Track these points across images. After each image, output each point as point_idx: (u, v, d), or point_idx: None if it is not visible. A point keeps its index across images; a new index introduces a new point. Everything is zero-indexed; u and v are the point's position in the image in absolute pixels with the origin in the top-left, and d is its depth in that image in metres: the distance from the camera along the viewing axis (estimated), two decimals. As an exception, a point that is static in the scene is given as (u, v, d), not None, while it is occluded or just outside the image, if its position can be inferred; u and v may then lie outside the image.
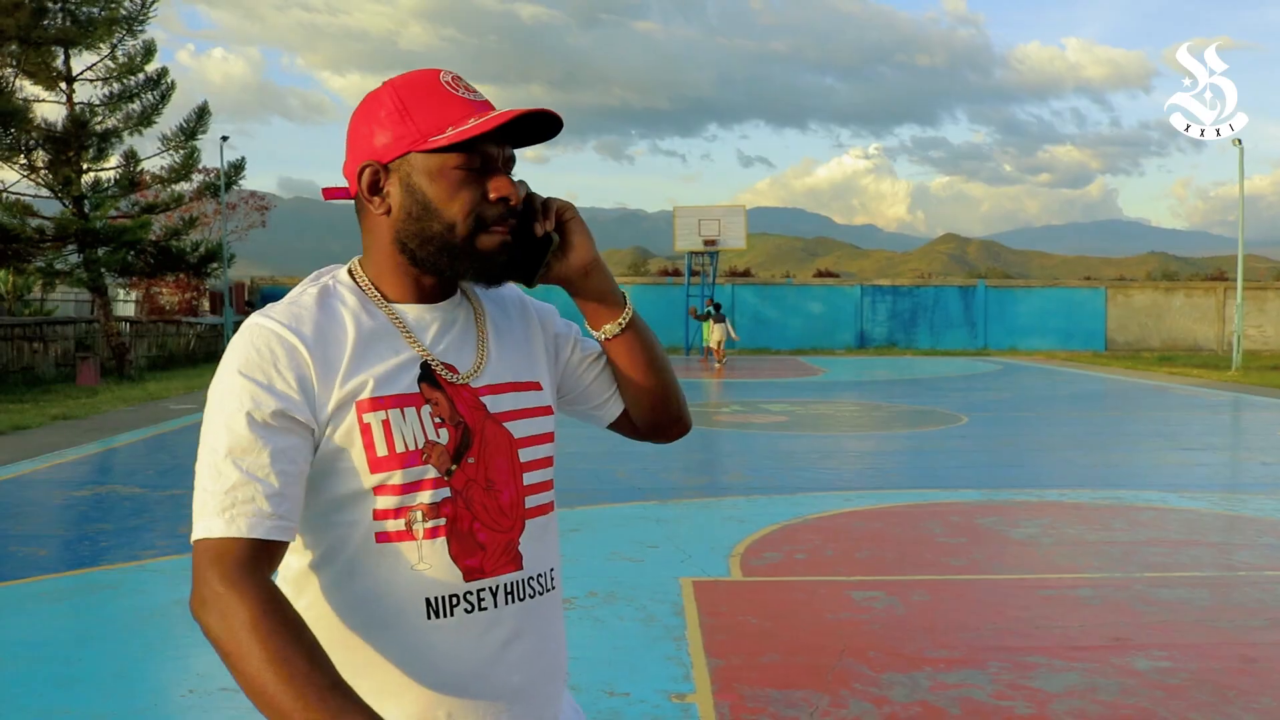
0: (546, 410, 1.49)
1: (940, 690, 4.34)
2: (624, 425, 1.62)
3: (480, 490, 1.37)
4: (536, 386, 1.49)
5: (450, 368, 1.39)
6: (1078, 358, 32.24)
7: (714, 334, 26.32)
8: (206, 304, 32.93)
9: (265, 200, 39.20)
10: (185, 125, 21.67)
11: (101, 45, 20.49)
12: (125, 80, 21.07)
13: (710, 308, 26.93)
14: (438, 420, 1.35)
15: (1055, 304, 36.36)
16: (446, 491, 1.34)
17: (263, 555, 1.22)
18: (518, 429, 1.43)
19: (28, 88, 20.13)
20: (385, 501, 1.31)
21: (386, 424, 1.31)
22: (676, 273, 39.45)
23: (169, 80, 21.57)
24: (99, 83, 21.05)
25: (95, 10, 19.94)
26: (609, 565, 6.39)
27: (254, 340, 1.28)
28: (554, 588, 1.46)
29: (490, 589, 1.36)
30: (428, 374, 1.37)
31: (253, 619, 1.16)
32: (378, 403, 1.31)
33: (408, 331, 1.38)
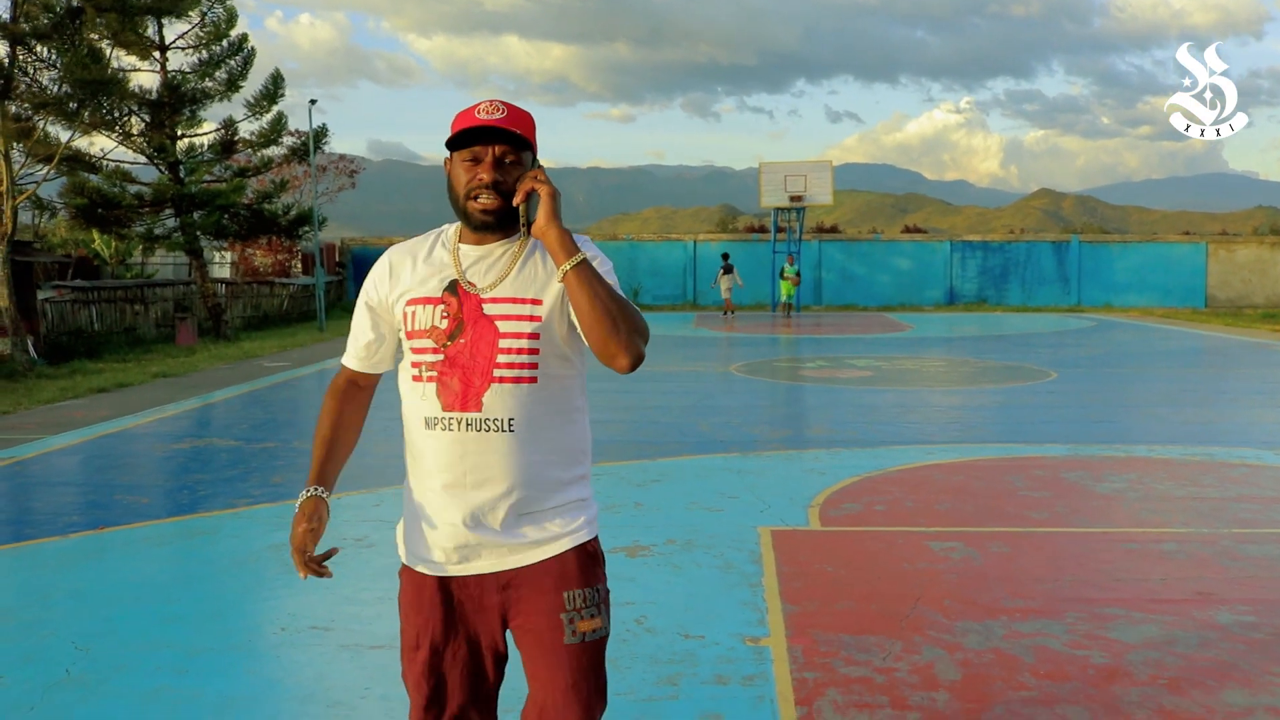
0: (534, 318, 2.16)
1: (1014, 639, 4.33)
2: (590, 346, 2.15)
3: (465, 359, 2.16)
4: (534, 301, 2.17)
5: (472, 284, 2.20)
6: (1175, 315, 31.32)
7: (723, 285, 27.90)
8: (299, 265, 33.63)
9: (354, 163, 39.80)
10: (265, 90, 22.10)
11: (191, 14, 20.95)
12: (212, 48, 21.55)
13: (722, 260, 28.75)
14: (445, 314, 2.19)
15: (1152, 260, 35.29)
16: (441, 357, 2.17)
17: (357, 377, 2.39)
18: (504, 326, 2.16)
19: (123, 58, 20.68)
20: (414, 357, 2.21)
21: (415, 313, 2.22)
22: (763, 229, 39.14)
23: (250, 46, 22.01)
24: (189, 50, 21.55)
25: (185, -20, 20.39)
26: (688, 515, 6.46)
27: (377, 264, 2.32)
28: (512, 430, 2.16)
29: (456, 419, 2.17)
30: (451, 286, 2.20)
31: (325, 408, 2.39)
32: (415, 300, 2.22)
33: (458, 260, 2.23)
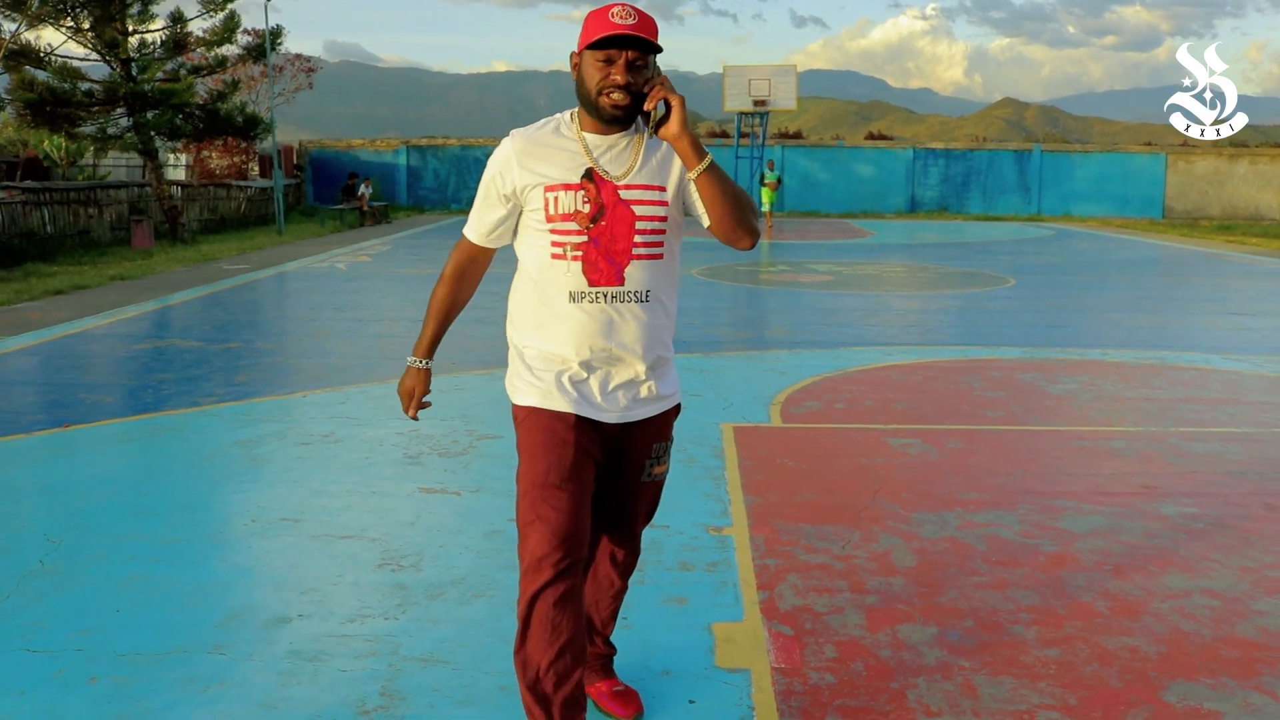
0: (663, 203, 2.52)
1: (968, 528, 4.49)
2: (714, 231, 2.52)
3: (607, 240, 2.48)
4: (661, 189, 2.52)
5: (607, 171, 2.48)
6: (1133, 225, 31.63)
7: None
8: (256, 168, 33.05)
9: (311, 63, 38.89)
10: (219, -14, 21.46)
11: (142, -99, 20.23)
12: (163, -64, 20.82)
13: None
14: (586, 200, 2.47)
15: (1112, 170, 35.48)
16: (585, 238, 2.47)
17: (480, 252, 2.70)
18: (639, 210, 2.50)
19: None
20: (555, 238, 2.48)
21: (557, 199, 2.47)
22: (725, 135, 38.84)
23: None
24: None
25: None
26: (651, 414, 6.55)
27: (500, 146, 2.55)
28: (647, 300, 2.53)
29: (604, 294, 2.49)
30: (588, 173, 2.48)
31: (445, 274, 2.73)
32: (553, 186, 2.48)
33: (587, 149, 2.50)
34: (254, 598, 3.72)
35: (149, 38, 21.39)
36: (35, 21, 18.11)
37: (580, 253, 2.47)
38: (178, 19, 21.51)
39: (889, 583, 3.87)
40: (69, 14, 19.57)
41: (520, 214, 2.58)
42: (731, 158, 31.58)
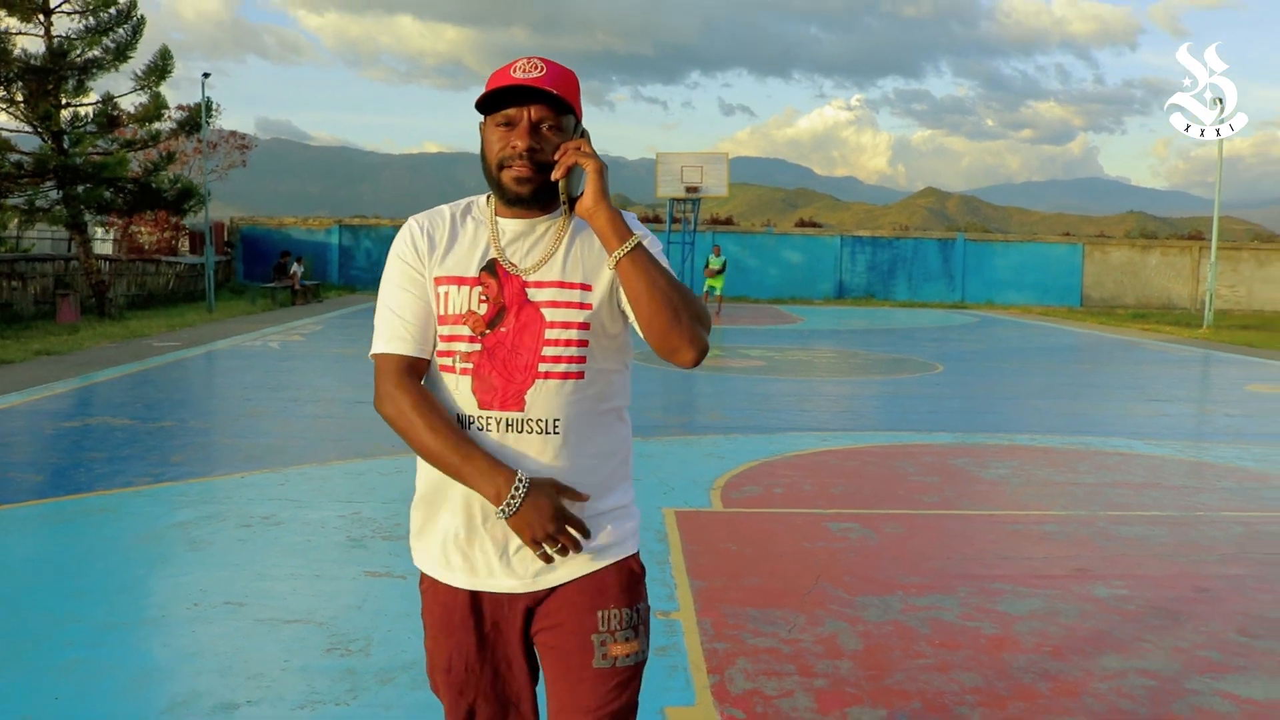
0: (584, 305, 1.95)
1: (911, 611, 4.58)
2: (645, 338, 1.93)
3: (506, 351, 1.94)
4: (584, 286, 1.97)
5: (514, 264, 1.97)
6: (1053, 313, 32.58)
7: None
8: (186, 244, 32.73)
9: (246, 140, 38.84)
10: (154, 64, 21.52)
11: (79, -23, 20.27)
12: (100, 14, 20.85)
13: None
14: (483, 298, 1.96)
15: (1033, 259, 36.64)
16: (478, 347, 1.94)
17: (418, 364, 1.97)
18: (551, 314, 1.95)
19: (5, 19, 19.90)
20: (443, 345, 1.97)
21: (448, 295, 1.97)
22: (657, 220, 39.39)
23: (139, 15, 21.37)
24: (75, 15, 20.81)
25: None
26: (594, 497, 6.58)
27: (402, 232, 2.03)
28: (556, 432, 1.94)
29: (496, 420, 1.94)
30: (490, 265, 1.97)
31: (413, 405, 1.92)
32: (446, 279, 1.98)
33: (496, 235, 1.99)
34: (200, 684, 3.66)
35: (82, 111, 21.28)
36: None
37: (471, 365, 1.93)
38: (108, 99, 21.44)
39: (836, 666, 3.93)
40: (2, 85, 19.41)
41: None
42: (664, 243, 31.98)
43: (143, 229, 32.00)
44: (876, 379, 14.07)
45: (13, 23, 20.08)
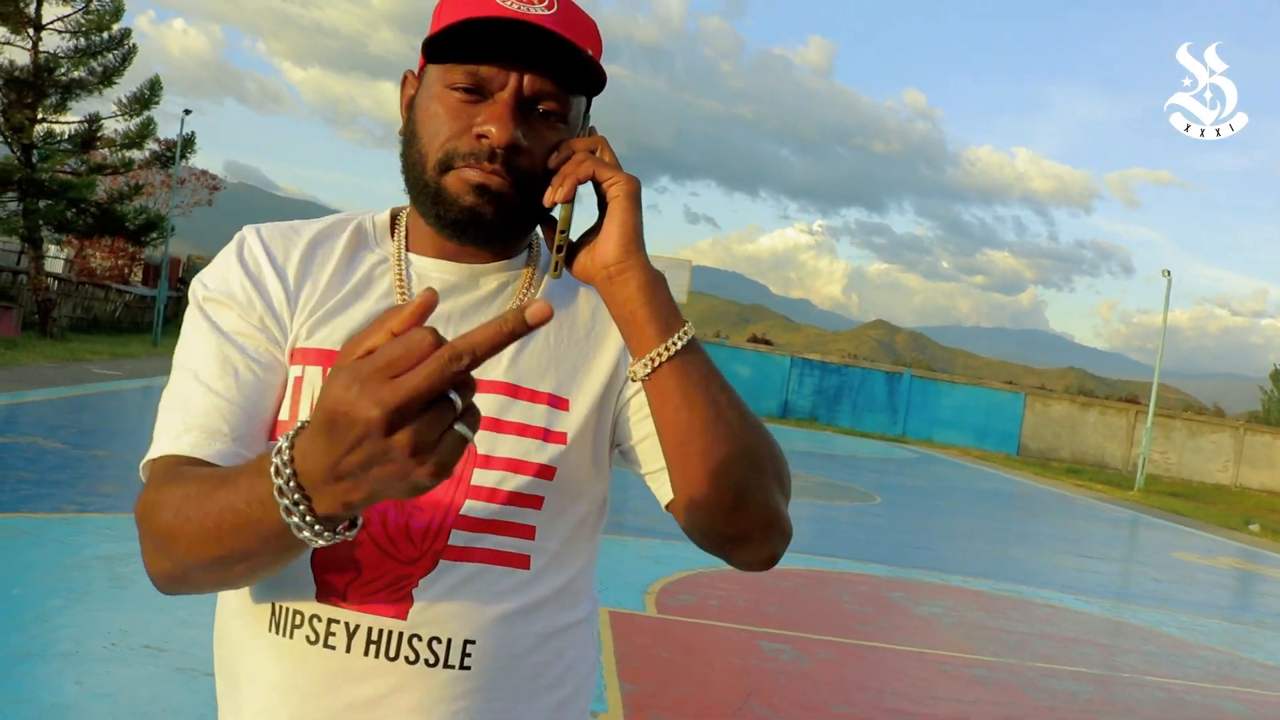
0: (550, 437, 1.08)
1: (839, 741, 4.54)
2: (680, 517, 1.10)
3: (391, 503, 1.02)
4: (559, 404, 1.10)
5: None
6: (990, 457, 33.05)
7: None
8: (139, 274, 32.36)
9: (216, 180, 38.76)
10: (140, 94, 21.56)
11: (75, -1, 20.38)
12: (91, 37, 20.92)
13: None
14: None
15: (976, 402, 37.26)
16: None
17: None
18: (490, 443, 1.06)
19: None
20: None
21: (300, 381, 1.05)
22: (614, 316, 39.72)
23: (131, 43, 21.49)
24: (66, 35, 20.86)
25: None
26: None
27: (230, 261, 1.11)
28: (463, 667, 1.03)
29: (347, 625, 1.01)
30: None
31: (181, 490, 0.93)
32: (308, 353, 1.06)
33: (404, 284, 1.10)
34: (111, 728, 3.52)
35: (58, 129, 21.18)
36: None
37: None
38: (94, 120, 21.41)
39: (763, 788, 3.87)
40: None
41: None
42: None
43: (97, 253, 31.63)
44: (816, 502, 14.12)
45: (2, 32, 20.07)
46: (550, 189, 1.04)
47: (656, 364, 1.01)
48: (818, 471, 18.79)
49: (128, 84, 21.64)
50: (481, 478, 1.06)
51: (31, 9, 20.09)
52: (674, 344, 1.01)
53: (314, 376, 1.05)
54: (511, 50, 1.02)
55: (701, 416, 1.01)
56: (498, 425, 1.07)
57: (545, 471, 1.08)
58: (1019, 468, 29.76)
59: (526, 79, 1.03)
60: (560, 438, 1.09)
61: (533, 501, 1.08)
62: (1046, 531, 15.00)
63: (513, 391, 1.09)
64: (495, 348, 0.71)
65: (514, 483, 1.07)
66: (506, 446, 1.07)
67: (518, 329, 0.71)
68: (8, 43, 20.20)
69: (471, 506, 1.05)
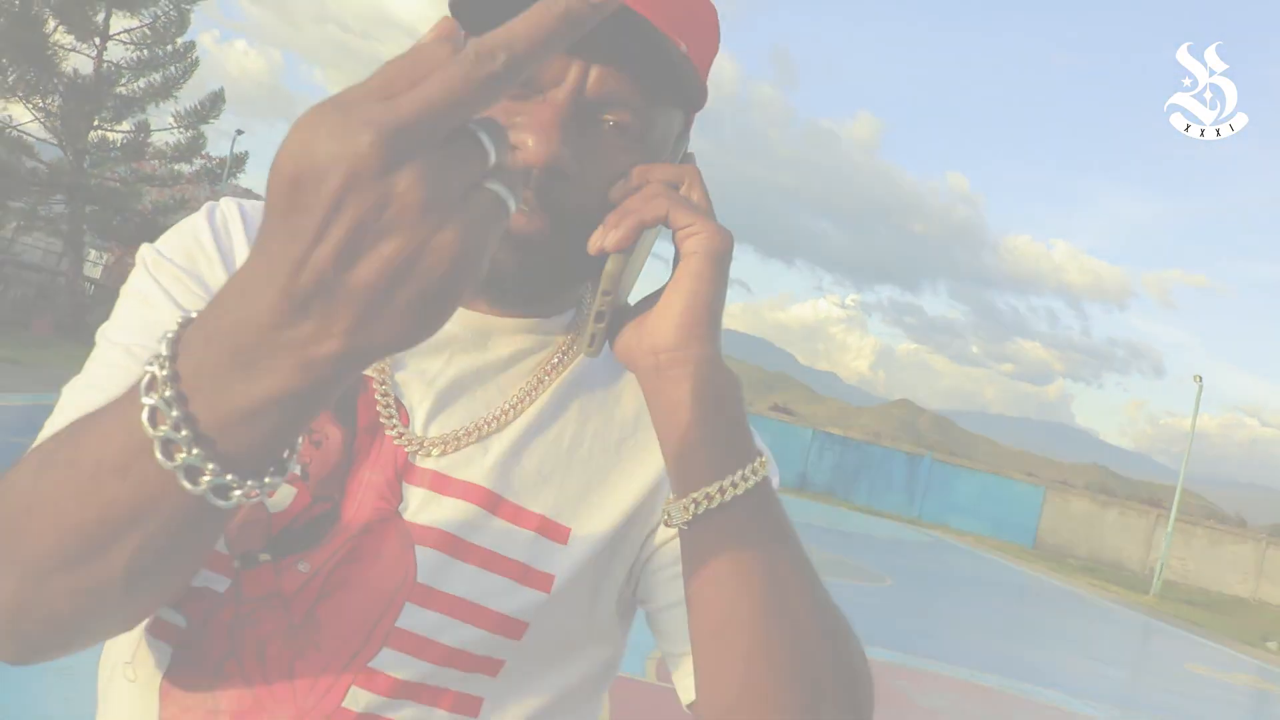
0: (538, 579, 0.78)
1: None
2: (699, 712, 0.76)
3: (302, 609, 0.74)
4: (554, 532, 0.79)
5: (403, 412, 0.78)
6: (1006, 548, 32.65)
7: None
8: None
9: (261, 201, 39.27)
10: (199, 108, 21.92)
11: (144, 11, 20.78)
12: (156, 49, 21.34)
13: None
14: (297, 470, 0.75)
15: (994, 490, 36.89)
16: (227, 583, 0.73)
17: None
18: (437, 570, 0.76)
19: (61, 35, 20.33)
20: None
21: None
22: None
23: (194, 56, 21.87)
24: (130, 47, 21.29)
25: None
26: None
27: (187, 233, 0.85)
28: None
29: None
30: (349, 399, 0.77)
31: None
32: None
33: None
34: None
35: (111, 137, 21.54)
36: (7, 94, 18.17)
37: (191, 619, 0.74)
38: (144, 128, 21.76)
39: None
40: (43, 95, 19.70)
41: None
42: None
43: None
44: (825, 580, 13.93)
45: (69, 39, 20.51)
46: (600, 229, 0.71)
47: (702, 508, 0.69)
48: (830, 548, 18.60)
49: (186, 97, 22.02)
50: (411, 618, 0.74)
51: (100, 18, 20.53)
52: (734, 484, 0.70)
53: None
54: (589, 52, 0.72)
55: (754, 603, 0.70)
56: (455, 546, 0.76)
57: (511, 626, 0.77)
58: (1034, 561, 29.38)
59: (592, 74, 0.72)
60: (544, 581, 0.78)
61: (484, 665, 0.77)
62: (1058, 630, 14.75)
63: (490, 502, 0.77)
64: (544, 45, 0.44)
65: (458, 635, 0.75)
66: (461, 580, 0.75)
67: (579, 10, 0.44)
68: (74, 49, 20.64)
69: (387, 658, 0.73)
